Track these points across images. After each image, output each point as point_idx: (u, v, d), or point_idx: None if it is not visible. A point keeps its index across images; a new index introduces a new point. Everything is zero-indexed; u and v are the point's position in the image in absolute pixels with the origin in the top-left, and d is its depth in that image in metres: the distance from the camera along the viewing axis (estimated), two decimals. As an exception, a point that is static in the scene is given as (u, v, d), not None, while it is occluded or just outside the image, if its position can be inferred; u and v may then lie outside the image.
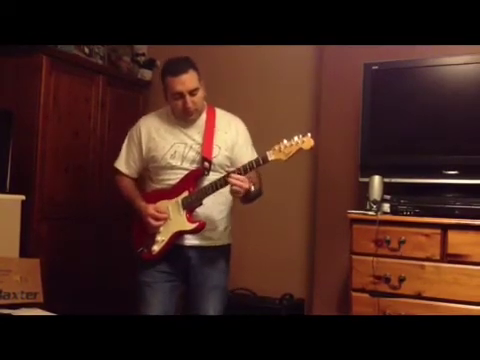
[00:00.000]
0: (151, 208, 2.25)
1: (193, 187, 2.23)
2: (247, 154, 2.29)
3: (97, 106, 3.26)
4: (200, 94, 2.25)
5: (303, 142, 2.08)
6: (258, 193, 2.29)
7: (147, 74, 3.64)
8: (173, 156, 2.27)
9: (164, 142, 2.29)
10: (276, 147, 2.09)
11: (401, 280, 2.23)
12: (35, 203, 2.85)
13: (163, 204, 2.26)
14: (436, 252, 2.20)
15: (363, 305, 2.30)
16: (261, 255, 3.26)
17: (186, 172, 2.25)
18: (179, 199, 2.23)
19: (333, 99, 2.92)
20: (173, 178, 2.27)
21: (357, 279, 2.32)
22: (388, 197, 2.38)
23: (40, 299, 2.44)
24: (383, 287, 2.27)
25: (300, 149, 2.08)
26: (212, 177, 2.22)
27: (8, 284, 2.38)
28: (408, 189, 2.44)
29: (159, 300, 2.29)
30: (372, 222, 2.28)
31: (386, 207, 2.36)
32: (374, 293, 2.28)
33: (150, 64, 3.63)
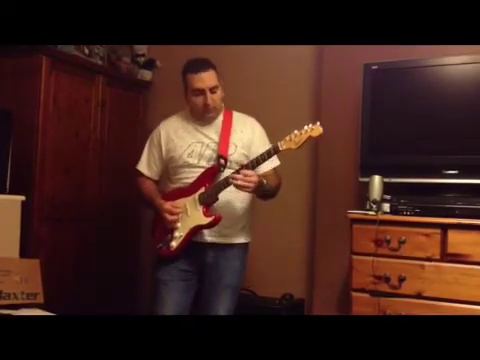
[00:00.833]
0: (167, 204, 2.30)
1: (209, 183, 2.28)
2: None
3: (97, 106, 3.26)
4: (219, 93, 2.33)
5: (312, 130, 2.13)
6: (275, 189, 2.36)
7: (147, 74, 3.63)
8: (190, 155, 2.33)
9: (182, 142, 2.36)
10: (287, 137, 2.14)
11: (401, 280, 2.23)
12: (35, 203, 2.84)
13: (181, 202, 2.31)
14: (436, 252, 2.20)
15: (363, 305, 2.30)
16: (261, 255, 3.25)
17: (203, 170, 2.30)
18: (196, 195, 2.28)
19: (333, 99, 2.92)
20: (190, 176, 2.32)
21: (357, 279, 2.32)
22: (388, 197, 2.38)
23: (40, 300, 2.44)
24: (383, 287, 2.27)
25: (310, 137, 2.13)
26: (228, 174, 2.25)
27: (8, 285, 2.38)
28: (408, 189, 2.44)
29: (174, 299, 2.33)
30: (372, 222, 2.28)
31: (386, 207, 2.36)
32: (374, 293, 2.28)
33: (150, 64, 3.63)
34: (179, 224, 2.29)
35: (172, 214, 2.28)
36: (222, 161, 2.28)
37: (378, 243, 2.27)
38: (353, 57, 2.75)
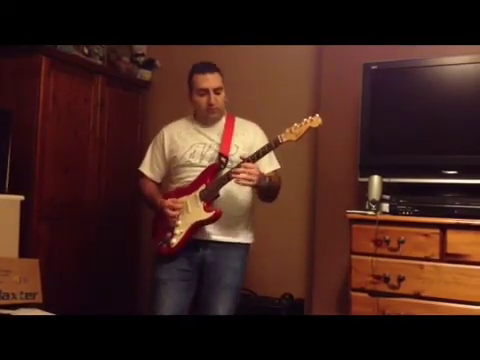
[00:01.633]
0: (169, 200, 2.33)
1: (211, 180, 2.30)
2: (265, 156, 2.32)
3: (96, 106, 3.26)
4: (222, 95, 2.38)
5: (311, 121, 2.17)
6: (276, 189, 2.39)
7: (146, 74, 3.64)
8: (192, 155, 2.36)
9: (184, 143, 2.40)
10: (287, 130, 2.17)
11: (400, 280, 2.23)
12: (34, 203, 2.84)
13: (182, 199, 2.32)
14: (435, 252, 2.20)
15: (362, 305, 2.30)
16: (261, 255, 3.25)
17: (204, 169, 2.32)
18: (197, 192, 2.30)
19: (332, 99, 2.92)
20: (192, 176, 2.35)
21: (356, 279, 2.32)
22: (387, 197, 2.38)
23: (39, 299, 2.44)
24: (382, 287, 2.27)
25: (309, 128, 2.16)
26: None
27: (7, 284, 2.38)
28: (407, 189, 2.44)
29: (173, 298, 2.33)
30: (371, 222, 2.28)
31: (385, 207, 2.36)
32: (373, 293, 2.28)
33: (149, 64, 3.63)
34: (180, 221, 2.30)
35: (173, 209, 2.30)
36: (223, 159, 2.30)
37: (377, 243, 2.28)
38: (353, 57, 2.75)
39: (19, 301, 2.38)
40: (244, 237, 2.41)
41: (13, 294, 2.38)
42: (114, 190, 3.37)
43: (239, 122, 2.45)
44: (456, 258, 2.16)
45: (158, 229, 2.41)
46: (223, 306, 2.32)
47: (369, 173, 2.44)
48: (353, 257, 2.34)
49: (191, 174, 2.35)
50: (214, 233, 2.32)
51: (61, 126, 3.02)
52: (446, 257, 2.18)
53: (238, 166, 2.19)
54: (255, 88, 3.32)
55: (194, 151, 2.36)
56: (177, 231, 2.30)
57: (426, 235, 2.21)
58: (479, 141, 2.36)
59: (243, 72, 3.36)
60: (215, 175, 2.30)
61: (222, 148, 2.33)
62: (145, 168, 2.51)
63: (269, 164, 2.36)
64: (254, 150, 2.34)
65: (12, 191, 2.68)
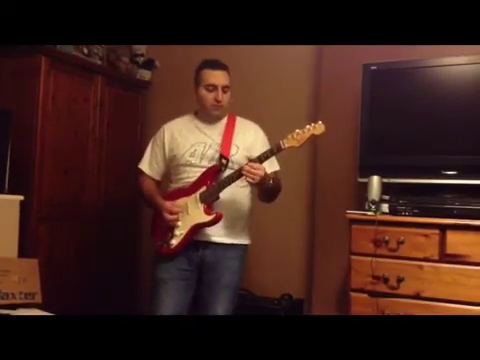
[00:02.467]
0: (168, 203, 2.33)
1: (211, 182, 2.30)
2: None
3: (96, 106, 3.26)
4: (229, 94, 2.39)
5: (315, 128, 2.16)
6: (277, 190, 2.38)
7: (146, 74, 3.63)
8: (192, 154, 2.36)
9: (185, 141, 2.39)
10: (289, 135, 2.17)
11: (400, 280, 2.23)
12: (34, 203, 2.84)
13: (182, 201, 2.33)
14: (435, 252, 2.20)
15: (362, 305, 2.30)
16: (260, 255, 3.25)
17: (204, 170, 2.32)
18: (197, 194, 2.30)
19: (332, 99, 2.92)
20: (192, 176, 2.34)
21: (356, 279, 2.32)
22: (387, 197, 2.38)
23: (39, 299, 2.44)
24: (382, 287, 2.27)
25: (312, 135, 2.16)
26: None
27: (7, 284, 2.38)
28: (407, 189, 2.44)
29: (172, 297, 2.33)
30: (371, 222, 2.28)
31: (385, 207, 2.36)
32: (373, 293, 2.28)
33: (149, 64, 3.63)
34: (179, 223, 2.30)
35: (172, 213, 2.30)
36: (224, 161, 2.30)
37: (377, 243, 2.28)
38: (352, 57, 2.75)
39: (18, 301, 2.38)
40: (243, 238, 2.42)
41: (12, 294, 2.38)
42: (114, 190, 3.37)
43: (240, 122, 2.46)
44: (455, 259, 2.16)
45: (157, 228, 2.41)
46: (221, 306, 2.33)
47: (369, 173, 2.44)
48: (352, 257, 2.34)
49: (191, 175, 2.35)
50: (214, 234, 2.32)
51: (61, 126, 3.02)
52: (445, 258, 2.18)
53: (243, 167, 2.19)
54: (255, 88, 3.32)
55: (194, 150, 2.36)
56: (177, 232, 2.31)
57: (426, 235, 2.21)
58: (479, 141, 2.36)
59: (243, 72, 3.35)
60: (216, 177, 2.30)
61: (223, 149, 2.32)
62: (144, 165, 2.50)
63: (270, 166, 2.35)
64: (254, 151, 2.34)
65: (12, 191, 2.68)
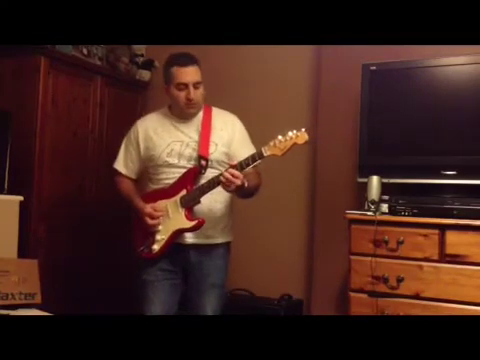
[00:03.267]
0: (148, 207, 2.27)
1: (191, 185, 2.24)
2: (245, 149, 2.30)
3: (95, 107, 3.26)
4: (201, 89, 2.30)
5: (297, 137, 2.09)
6: (254, 190, 2.30)
7: (145, 75, 3.63)
8: (170, 154, 2.30)
9: (161, 140, 2.32)
10: (271, 143, 2.10)
11: (399, 280, 2.23)
12: (33, 204, 2.84)
13: (162, 203, 2.28)
14: (434, 252, 2.20)
15: (361, 305, 2.30)
16: (260, 255, 3.26)
17: (183, 170, 2.27)
18: (177, 198, 2.25)
19: (331, 99, 2.92)
20: (171, 177, 2.29)
21: (355, 279, 2.32)
22: (386, 197, 2.38)
23: (38, 300, 2.44)
24: (381, 287, 2.27)
25: (295, 143, 2.09)
26: (210, 174, 2.23)
27: (6, 285, 2.37)
28: (406, 189, 2.45)
29: (160, 299, 2.31)
30: (370, 222, 2.28)
31: (384, 207, 2.37)
32: (372, 293, 2.28)
33: (148, 65, 3.63)
34: (160, 227, 2.27)
35: (153, 218, 2.26)
36: (203, 162, 2.25)
37: (376, 243, 2.28)
38: (352, 57, 2.75)
39: (18, 301, 2.38)
40: (225, 236, 2.38)
41: (12, 294, 2.38)
42: (113, 190, 3.36)
43: (217, 114, 2.37)
44: (455, 259, 2.16)
45: (138, 232, 2.37)
46: (210, 305, 2.31)
47: (368, 173, 2.44)
48: (352, 257, 2.34)
49: (170, 176, 2.29)
50: (196, 237, 2.28)
51: (60, 127, 3.02)
52: (445, 258, 2.18)
53: (224, 172, 2.12)
54: (254, 88, 3.32)
55: (171, 150, 2.29)
56: (158, 237, 2.27)
57: (425, 235, 2.21)
58: (478, 141, 2.36)
59: (242, 72, 3.36)
60: (196, 179, 2.25)
61: (201, 149, 2.26)
62: (119, 165, 2.44)
63: (250, 151, 2.25)
64: (233, 147, 2.31)
65: (11, 191, 2.68)
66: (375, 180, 2.39)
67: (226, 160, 2.30)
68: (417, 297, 2.21)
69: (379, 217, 2.29)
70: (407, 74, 2.53)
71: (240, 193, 2.22)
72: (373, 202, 2.35)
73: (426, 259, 2.21)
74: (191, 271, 2.33)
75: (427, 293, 2.20)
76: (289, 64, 3.24)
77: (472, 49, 2.35)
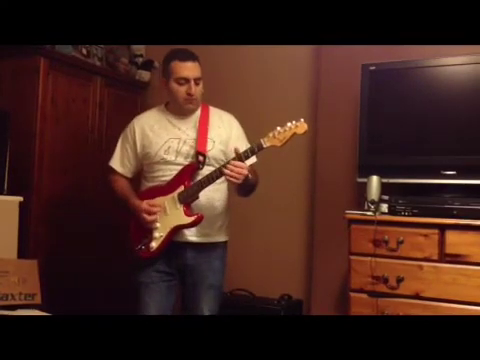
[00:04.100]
0: (144, 203, 2.25)
1: (188, 181, 2.23)
2: (242, 147, 2.27)
3: (95, 107, 3.26)
4: (201, 86, 2.29)
5: (296, 127, 2.09)
6: (254, 185, 2.30)
7: (145, 75, 3.63)
8: (167, 151, 2.28)
9: (158, 138, 2.31)
10: (270, 134, 2.09)
11: (399, 280, 2.23)
12: (33, 204, 2.84)
13: (159, 200, 2.26)
14: (434, 252, 2.20)
15: (361, 305, 2.30)
16: (259, 256, 3.26)
17: (179, 167, 2.26)
18: (175, 194, 2.23)
19: (331, 99, 2.92)
20: (167, 174, 2.28)
21: (355, 279, 2.32)
22: (386, 197, 2.38)
23: (38, 300, 2.44)
24: (381, 287, 2.27)
25: (294, 134, 2.08)
26: (207, 172, 2.22)
27: (6, 285, 2.38)
28: (406, 189, 2.45)
29: (156, 301, 2.29)
30: (370, 222, 2.28)
31: (384, 207, 2.37)
32: (372, 293, 2.28)
33: (148, 65, 3.63)
34: (158, 224, 2.24)
35: (150, 214, 2.23)
36: (201, 158, 2.23)
37: (376, 243, 2.28)
38: (351, 57, 2.75)
39: (18, 302, 2.38)
40: (222, 235, 2.37)
41: (12, 295, 2.38)
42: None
43: (214, 113, 2.37)
44: (455, 258, 2.16)
45: (134, 231, 2.34)
46: (207, 306, 2.30)
47: (368, 173, 2.44)
48: (352, 258, 2.34)
49: (167, 173, 2.27)
50: (193, 234, 2.27)
51: (60, 127, 3.02)
52: (445, 257, 2.18)
53: (224, 165, 2.12)
54: (254, 88, 3.32)
55: (169, 147, 2.27)
56: (156, 234, 2.25)
57: (425, 235, 2.21)
58: (478, 141, 2.36)
59: (242, 72, 3.36)
60: (193, 175, 2.24)
61: (199, 145, 2.24)
62: (115, 163, 2.40)
63: (249, 160, 2.22)
64: (230, 145, 2.29)
65: (11, 192, 2.68)
66: (375, 180, 2.39)
67: (223, 158, 2.30)
68: (417, 297, 2.21)
69: (379, 217, 2.29)
70: (406, 74, 2.53)
71: (243, 187, 2.21)
72: (373, 202, 2.35)
73: (426, 259, 2.21)
74: (188, 273, 2.31)
75: (427, 293, 2.20)
76: (289, 64, 3.24)
77: (471, 49, 2.35)
